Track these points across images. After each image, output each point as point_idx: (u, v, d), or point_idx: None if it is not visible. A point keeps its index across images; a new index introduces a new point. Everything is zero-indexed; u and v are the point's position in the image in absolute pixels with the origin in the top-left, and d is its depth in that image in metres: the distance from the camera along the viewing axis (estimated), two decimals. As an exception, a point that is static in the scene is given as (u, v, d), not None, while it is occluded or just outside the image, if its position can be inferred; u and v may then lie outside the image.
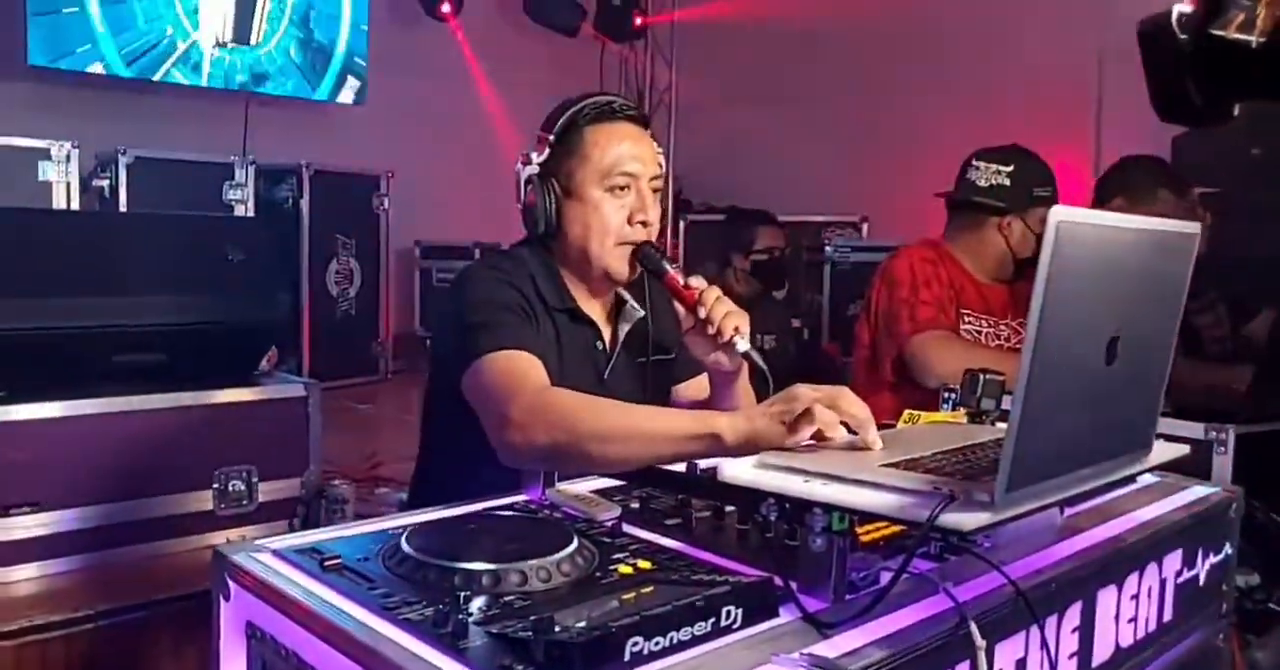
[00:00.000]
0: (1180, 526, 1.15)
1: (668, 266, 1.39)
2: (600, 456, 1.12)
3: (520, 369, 1.25)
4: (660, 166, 1.44)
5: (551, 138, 1.42)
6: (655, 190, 1.43)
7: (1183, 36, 0.89)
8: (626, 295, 1.50)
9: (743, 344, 1.31)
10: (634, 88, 6.49)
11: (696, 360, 1.44)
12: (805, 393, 1.05)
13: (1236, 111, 0.93)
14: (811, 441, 1.04)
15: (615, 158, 1.39)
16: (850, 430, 1.06)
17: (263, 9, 4.91)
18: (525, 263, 1.44)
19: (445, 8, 5.46)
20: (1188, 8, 0.90)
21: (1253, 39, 0.87)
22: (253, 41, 4.87)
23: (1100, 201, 2.38)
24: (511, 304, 1.35)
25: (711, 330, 1.33)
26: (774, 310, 3.91)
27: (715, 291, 1.36)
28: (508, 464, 1.17)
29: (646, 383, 1.50)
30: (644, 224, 1.41)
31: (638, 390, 1.47)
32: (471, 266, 1.45)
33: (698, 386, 1.59)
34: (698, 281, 1.37)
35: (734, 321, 1.32)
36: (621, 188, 1.40)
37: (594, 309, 1.48)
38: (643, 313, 1.49)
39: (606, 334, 1.48)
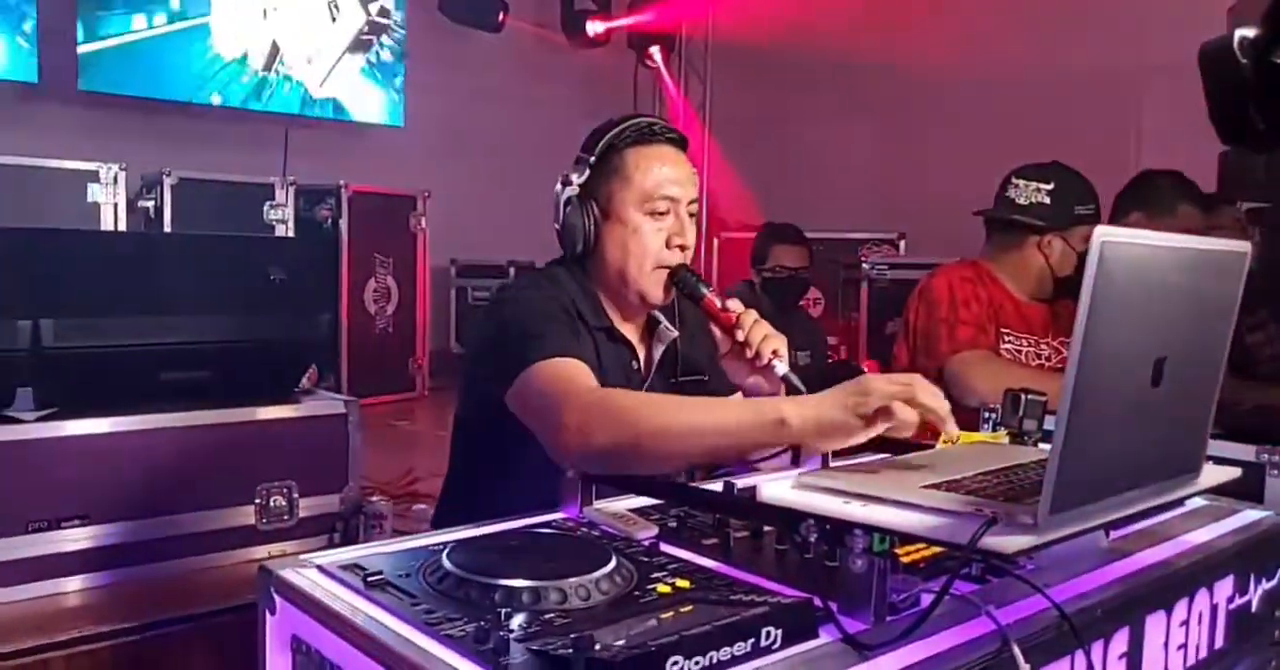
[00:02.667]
0: (1232, 551, 1.12)
1: (705, 290, 1.39)
2: (664, 452, 1.11)
3: (569, 374, 1.24)
4: (697, 189, 1.45)
5: (592, 159, 1.42)
6: (692, 214, 1.43)
7: (1244, 61, 0.88)
8: (660, 316, 1.51)
9: (781, 367, 1.31)
10: (668, 106, 6.53)
11: (733, 382, 1.44)
12: (882, 386, 1.03)
13: None
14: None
15: (656, 181, 1.40)
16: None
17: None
18: (562, 282, 1.44)
19: (500, 16, 5.49)
20: (1250, 32, 0.88)
21: None
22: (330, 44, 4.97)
23: (1117, 216, 2.34)
24: (556, 314, 1.35)
25: (750, 353, 1.33)
26: (807, 326, 3.90)
27: (753, 315, 1.36)
28: (568, 467, 1.16)
29: None
30: (682, 248, 1.41)
31: None
32: (510, 284, 1.46)
33: None
34: (735, 304, 1.37)
35: (772, 345, 1.32)
36: (661, 212, 1.40)
37: (629, 329, 1.48)
38: (676, 333, 1.50)
39: (641, 354, 1.49)
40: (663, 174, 1.40)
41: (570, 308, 1.40)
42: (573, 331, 1.35)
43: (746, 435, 1.08)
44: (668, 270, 1.41)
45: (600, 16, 6.01)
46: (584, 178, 1.42)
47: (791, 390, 1.33)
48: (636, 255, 1.40)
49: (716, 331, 1.44)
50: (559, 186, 1.44)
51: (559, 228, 1.45)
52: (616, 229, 1.41)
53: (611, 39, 6.06)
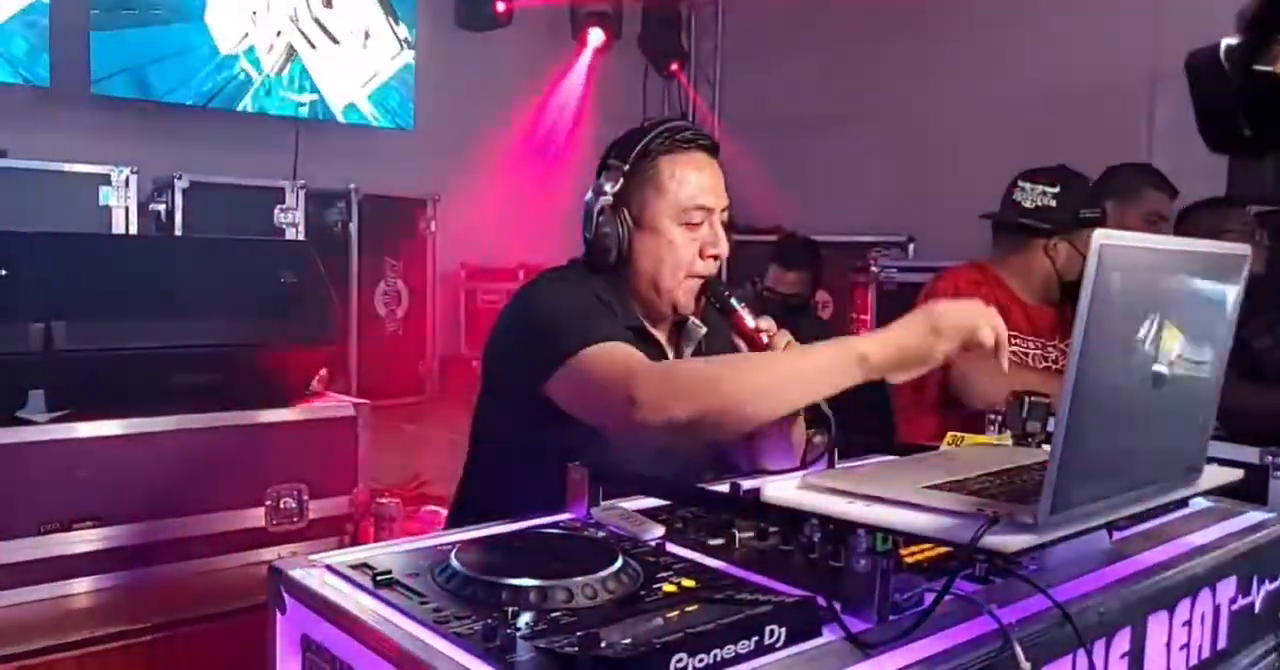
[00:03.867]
0: (1235, 552, 1.12)
1: (736, 305, 1.37)
2: (754, 414, 1.12)
3: (626, 354, 1.23)
4: (727, 195, 1.42)
5: (625, 167, 1.39)
6: (724, 221, 1.42)
7: (1230, 69, 0.89)
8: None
9: None
10: (677, 110, 6.54)
11: None
12: (959, 309, 1.11)
13: None
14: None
15: (691, 191, 1.37)
16: None
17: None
18: (590, 281, 1.42)
19: (500, 6, 5.46)
20: (1234, 40, 0.89)
21: None
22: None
23: None
24: (594, 305, 1.34)
25: None
26: (815, 329, 3.89)
27: (785, 336, 1.35)
28: (639, 445, 1.16)
29: None
30: (715, 257, 1.40)
31: None
32: (538, 281, 1.43)
33: None
34: (766, 323, 1.35)
35: None
36: (696, 223, 1.38)
37: (658, 331, 1.47)
38: (705, 329, 1.48)
39: (670, 354, 1.48)
40: (697, 183, 1.38)
41: (603, 302, 1.38)
42: (613, 321, 1.34)
43: (828, 380, 1.08)
44: (700, 281, 1.40)
45: (607, 22, 6.02)
46: (618, 186, 1.39)
47: (819, 416, 1.29)
48: (670, 265, 1.38)
49: (741, 345, 1.43)
50: (591, 195, 1.41)
51: (590, 237, 1.41)
52: (650, 239, 1.39)
53: (621, 42, 6.07)
